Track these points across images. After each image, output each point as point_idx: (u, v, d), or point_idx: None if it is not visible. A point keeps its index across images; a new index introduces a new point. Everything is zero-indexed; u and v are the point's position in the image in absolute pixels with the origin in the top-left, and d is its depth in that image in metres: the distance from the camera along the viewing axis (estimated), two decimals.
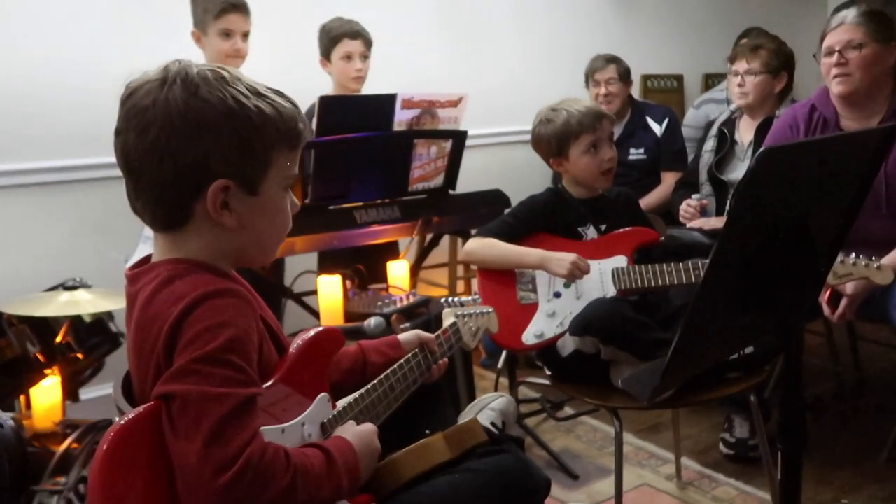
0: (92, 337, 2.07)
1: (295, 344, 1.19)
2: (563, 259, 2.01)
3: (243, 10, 2.62)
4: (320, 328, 1.24)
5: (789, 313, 1.32)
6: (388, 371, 1.32)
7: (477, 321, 1.57)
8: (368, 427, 1.18)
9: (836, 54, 2.32)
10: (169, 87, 1.03)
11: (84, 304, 1.86)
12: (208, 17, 2.58)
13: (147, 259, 1.15)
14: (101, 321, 2.08)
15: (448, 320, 1.52)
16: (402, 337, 1.41)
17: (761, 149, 1.09)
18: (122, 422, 0.97)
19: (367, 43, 2.95)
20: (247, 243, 1.13)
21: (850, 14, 2.36)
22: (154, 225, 1.11)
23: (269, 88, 1.10)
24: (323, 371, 1.22)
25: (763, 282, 1.25)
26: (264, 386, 1.08)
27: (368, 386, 1.28)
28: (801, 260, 1.29)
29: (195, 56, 2.72)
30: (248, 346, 1.03)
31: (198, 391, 0.96)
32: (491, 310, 1.62)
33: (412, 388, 1.35)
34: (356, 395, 1.26)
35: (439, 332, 1.47)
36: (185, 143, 1.03)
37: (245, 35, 2.64)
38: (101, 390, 2.63)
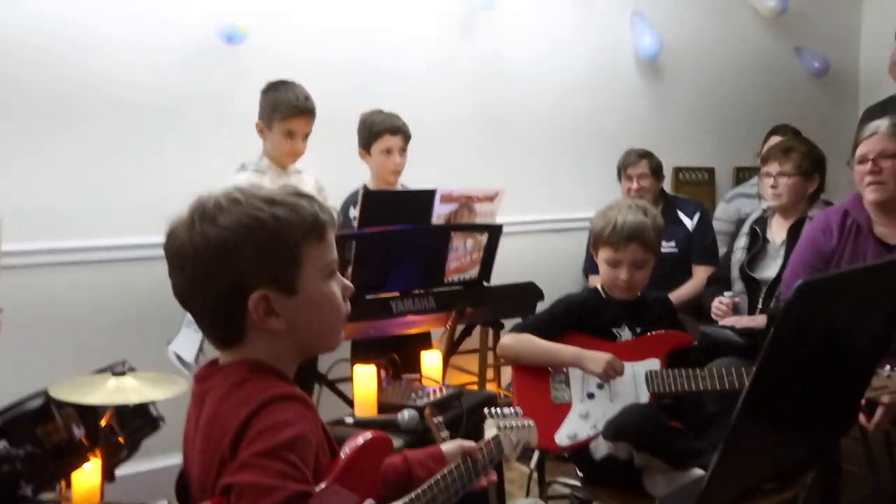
0: (135, 421, 2.12)
1: (346, 449, 1.23)
2: (599, 358, 2.04)
3: (310, 114, 2.77)
4: (369, 434, 1.27)
5: (827, 434, 1.33)
6: (433, 481, 1.34)
7: (518, 434, 1.60)
8: None
9: (870, 163, 2.36)
10: (193, 224, 1.12)
11: (130, 392, 1.91)
12: (276, 116, 2.73)
13: (215, 361, 1.21)
14: (144, 405, 2.14)
15: (490, 432, 1.55)
16: (445, 448, 1.44)
17: (799, 282, 1.12)
18: None
19: (406, 138, 3.05)
20: (305, 338, 1.18)
21: (884, 124, 2.41)
22: (217, 345, 1.19)
23: (287, 192, 1.17)
24: (372, 477, 1.26)
25: (801, 405, 1.27)
26: (317, 488, 1.12)
27: (412, 495, 1.30)
28: (837, 385, 1.31)
29: (254, 143, 2.85)
30: (307, 447, 1.08)
31: (253, 482, 1.01)
32: (532, 423, 1.65)
33: (455, 500, 1.37)
34: (400, 502, 1.28)
35: (482, 443, 1.49)
36: (217, 271, 1.11)
37: (306, 136, 2.78)
38: (135, 467, 2.68)
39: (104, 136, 2.94)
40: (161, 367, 2.38)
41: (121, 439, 2.09)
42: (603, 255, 2.16)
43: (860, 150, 2.41)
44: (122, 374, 1.95)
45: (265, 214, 1.12)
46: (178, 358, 2.41)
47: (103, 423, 2.01)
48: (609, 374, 2.04)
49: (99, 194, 2.92)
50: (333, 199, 3.02)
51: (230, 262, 1.10)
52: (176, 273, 1.14)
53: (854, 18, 5.12)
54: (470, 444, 1.45)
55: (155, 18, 3.00)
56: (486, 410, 1.65)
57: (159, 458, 2.89)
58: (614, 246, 2.12)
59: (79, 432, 1.97)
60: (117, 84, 2.94)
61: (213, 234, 1.10)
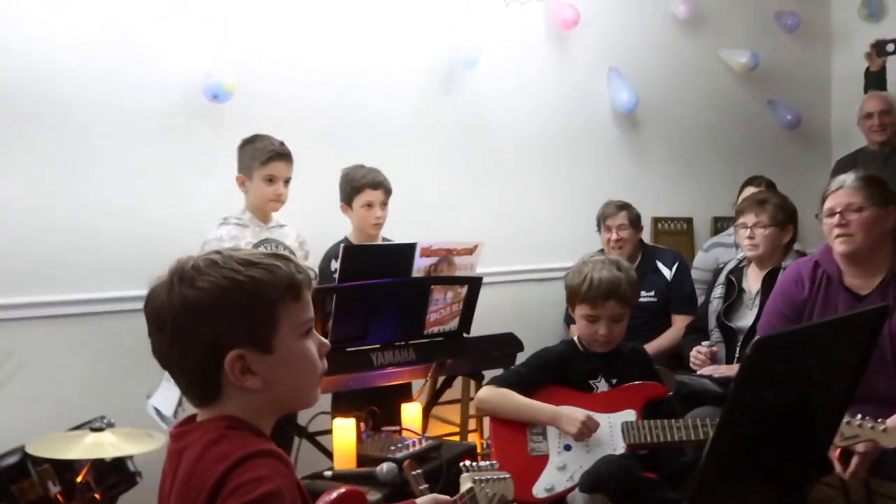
0: (111, 476, 2.11)
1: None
2: (574, 418, 2.06)
3: (288, 158, 2.86)
4: (343, 489, 1.29)
5: (796, 483, 1.36)
6: None
7: (494, 487, 1.61)
8: None
9: (838, 216, 2.42)
10: (172, 286, 1.15)
11: (108, 447, 1.91)
12: (255, 164, 2.80)
13: (192, 418, 1.23)
14: (121, 460, 2.13)
15: (465, 485, 1.56)
16: (419, 501, 1.45)
17: (755, 338, 1.17)
18: None
19: (388, 192, 3.10)
20: (282, 396, 1.20)
21: (849, 178, 2.48)
22: (195, 403, 1.20)
23: (264, 254, 1.21)
24: None
25: (768, 455, 1.30)
26: None
27: None
28: (803, 434, 1.34)
29: (237, 199, 2.89)
30: (283, 501, 1.09)
31: None
32: (508, 476, 1.67)
33: None
34: None
35: (457, 496, 1.51)
36: (193, 330, 1.13)
37: (287, 181, 2.86)
38: None
39: (88, 192, 2.96)
40: (141, 422, 2.39)
41: (97, 496, 2.07)
42: (581, 311, 2.20)
43: (827, 204, 2.47)
44: (101, 429, 1.95)
45: (242, 276, 1.14)
46: (158, 412, 2.41)
47: (79, 478, 2.00)
48: (584, 434, 2.07)
49: (80, 248, 2.92)
50: (315, 253, 3.05)
51: (207, 323, 1.12)
52: (155, 334, 1.16)
53: (824, 72, 5.28)
54: (444, 497, 1.47)
55: (144, 73, 3.06)
56: (461, 465, 1.67)
57: None
58: (592, 303, 2.16)
59: (54, 489, 1.97)
60: (99, 137, 2.97)
61: (191, 296, 1.13)
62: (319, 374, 1.23)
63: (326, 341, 1.24)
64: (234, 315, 1.13)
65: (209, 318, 1.12)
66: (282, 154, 2.82)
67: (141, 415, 2.49)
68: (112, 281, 2.91)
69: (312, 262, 2.96)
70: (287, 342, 1.17)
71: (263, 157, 2.79)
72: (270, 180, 2.81)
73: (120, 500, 2.30)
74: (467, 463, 1.67)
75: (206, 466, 1.10)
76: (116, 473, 2.14)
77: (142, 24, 3.05)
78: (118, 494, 2.22)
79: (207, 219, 2.88)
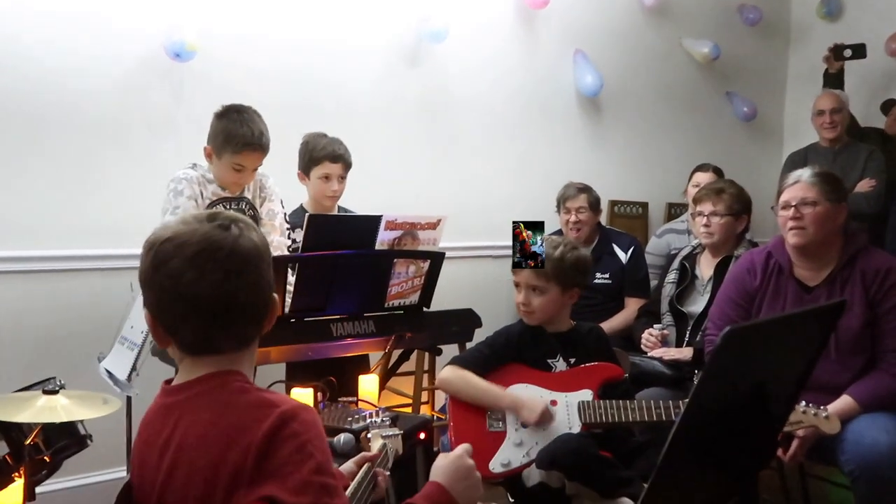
0: (61, 439, 2.07)
1: None
2: (534, 409, 2.11)
3: (263, 151, 2.65)
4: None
5: (748, 468, 1.41)
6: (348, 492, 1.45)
7: (394, 443, 1.77)
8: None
9: (793, 209, 2.49)
10: (240, 231, 1.20)
11: (60, 410, 1.87)
12: (227, 148, 2.60)
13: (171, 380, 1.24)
14: (71, 423, 2.08)
15: (377, 442, 1.74)
16: (344, 468, 1.57)
17: (727, 329, 1.20)
18: None
19: (347, 166, 3.03)
20: None
21: (806, 173, 2.55)
22: (205, 351, 1.20)
23: (221, 198, 1.33)
24: None
25: (725, 442, 1.35)
26: None
27: None
28: (759, 422, 1.39)
29: (200, 161, 2.76)
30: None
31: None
32: (400, 432, 1.82)
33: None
34: None
35: (375, 453, 1.67)
36: (266, 270, 1.22)
37: (254, 170, 2.70)
38: (55, 485, 2.60)
39: (40, 149, 2.86)
40: (92, 384, 2.34)
41: (46, 458, 2.03)
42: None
43: (783, 197, 2.55)
44: (54, 391, 1.91)
45: (262, 240, 1.24)
46: (111, 375, 2.36)
47: (28, 441, 1.96)
48: (541, 423, 2.12)
49: (32, 206, 2.83)
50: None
51: (269, 265, 1.23)
52: (227, 279, 1.16)
53: (781, 67, 5.40)
54: (370, 454, 1.64)
55: (102, 33, 2.96)
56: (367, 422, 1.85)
57: (81, 476, 2.83)
58: (514, 270, 2.24)
59: (2, 451, 1.91)
60: (54, 95, 2.87)
61: (259, 240, 1.22)
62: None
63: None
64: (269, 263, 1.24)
65: (268, 262, 1.22)
66: (258, 147, 2.62)
67: (93, 377, 2.45)
68: (65, 239, 2.83)
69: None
70: None
71: (238, 146, 2.59)
72: (238, 169, 2.64)
73: (67, 462, 2.26)
74: (372, 420, 1.91)
75: (238, 422, 1.10)
76: (66, 436, 2.10)
77: None
78: (66, 457, 2.17)
79: (164, 182, 2.79)
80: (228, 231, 1.18)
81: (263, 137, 2.63)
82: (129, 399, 2.38)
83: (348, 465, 1.61)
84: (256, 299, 1.19)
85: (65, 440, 2.11)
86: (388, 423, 1.94)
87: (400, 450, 1.82)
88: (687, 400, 1.24)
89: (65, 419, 1.88)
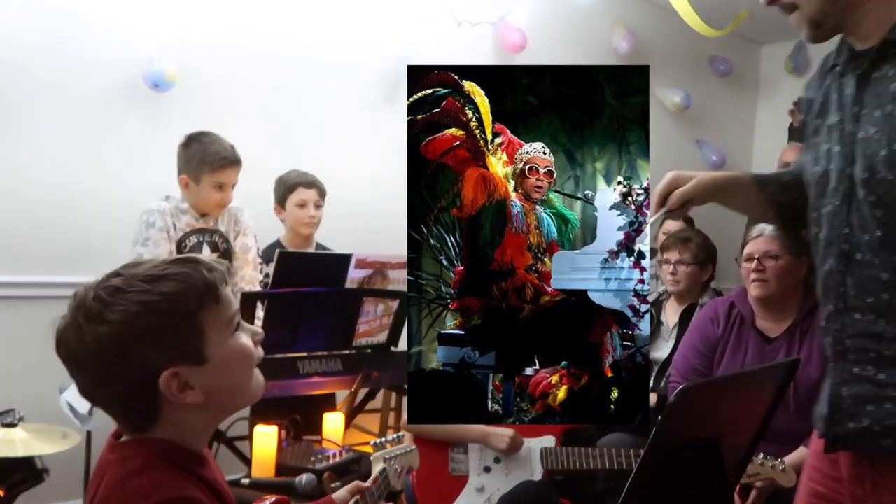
0: (17, 473, 2.03)
1: None
2: (503, 435, 2.12)
3: (239, 164, 2.72)
4: (273, 498, 1.29)
5: None
6: None
7: (401, 461, 1.69)
8: None
9: (756, 261, 2.56)
10: (80, 326, 1.07)
11: (18, 444, 1.84)
12: (205, 168, 2.63)
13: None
14: (29, 458, 2.05)
15: (377, 466, 1.63)
16: (337, 496, 1.49)
17: (680, 388, 1.23)
18: None
19: (321, 193, 3.09)
20: (226, 400, 1.14)
21: (769, 227, 2.62)
22: (133, 432, 1.13)
23: (167, 263, 1.12)
24: None
25: (681, 495, 1.37)
26: None
27: None
28: (716, 475, 1.41)
29: (170, 189, 2.76)
30: None
31: None
32: (413, 447, 1.75)
33: None
34: None
35: (370, 481, 1.57)
36: (117, 366, 1.06)
37: (233, 186, 2.74)
38: None
39: (11, 171, 2.85)
40: (52, 416, 2.30)
41: (0, 492, 1.99)
42: None
43: (747, 249, 2.61)
44: (13, 425, 1.88)
45: (152, 296, 1.06)
46: (71, 408, 2.32)
47: None
48: (512, 450, 2.12)
49: None
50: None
51: (129, 355, 1.06)
52: (76, 375, 1.09)
53: (750, 118, 5.55)
54: (364, 484, 1.54)
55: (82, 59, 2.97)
56: (371, 443, 1.74)
57: None
58: None
59: None
60: (32, 113, 2.87)
61: (104, 332, 1.05)
62: (256, 362, 1.16)
63: (259, 329, 1.18)
64: (156, 338, 1.06)
65: (130, 350, 1.05)
66: (234, 161, 2.68)
67: (53, 409, 2.41)
68: (28, 265, 2.80)
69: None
70: (219, 346, 1.10)
71: (217, 164, 2.62)
72: (220, 187, 2.67)
73: (22, 495, 2.22)
74: (376, 441, 1.74)
75: (122, 499, 1.05)
76: (22, 470, 2.06)
77: (85, 4, 2.96)
78: (22, 491, 2.14)
79: (134, 210, 2.77)
80: (70, 327, 1.08)
81: (236, 151, 2.72)
82: (88, 433, 2.34)
83: (341, 494, 1.52)
84: (110, 390, 1.08)
85: (21, 474, 2.07)
86: (395, 440, 1.79)
87: (416, 465, 1.77)
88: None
89: (22, 454, 1.85)
